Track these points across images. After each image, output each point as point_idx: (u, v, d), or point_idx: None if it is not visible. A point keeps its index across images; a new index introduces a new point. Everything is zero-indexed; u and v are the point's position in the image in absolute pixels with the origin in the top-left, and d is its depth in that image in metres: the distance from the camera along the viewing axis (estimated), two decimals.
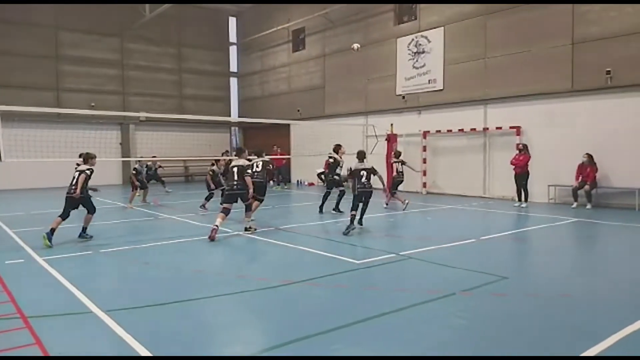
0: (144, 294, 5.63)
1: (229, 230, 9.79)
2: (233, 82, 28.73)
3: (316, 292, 5.62)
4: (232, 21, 28.29)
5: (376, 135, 16.46)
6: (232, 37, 28.39)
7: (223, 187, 14.24)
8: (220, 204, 9.97)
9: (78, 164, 16.71)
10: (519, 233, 9.95)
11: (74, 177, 8.97)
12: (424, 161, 18.02)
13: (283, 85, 25.22)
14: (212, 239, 8.78)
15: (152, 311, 4.99)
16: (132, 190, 14.87)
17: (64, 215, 8.74)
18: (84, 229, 9.10)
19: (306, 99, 23.49)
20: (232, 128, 29.05)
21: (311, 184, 22.78)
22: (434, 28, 17.60)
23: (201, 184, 23.42)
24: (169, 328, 4.53)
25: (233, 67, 28.66)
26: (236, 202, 9.73)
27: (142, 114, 16.38)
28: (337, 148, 12.66)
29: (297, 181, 23.92)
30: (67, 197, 8.84)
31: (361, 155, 10.60)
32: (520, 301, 5.24)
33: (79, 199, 8.82)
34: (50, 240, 8.26)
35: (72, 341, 4.24)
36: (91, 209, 9.09)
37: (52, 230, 8.44)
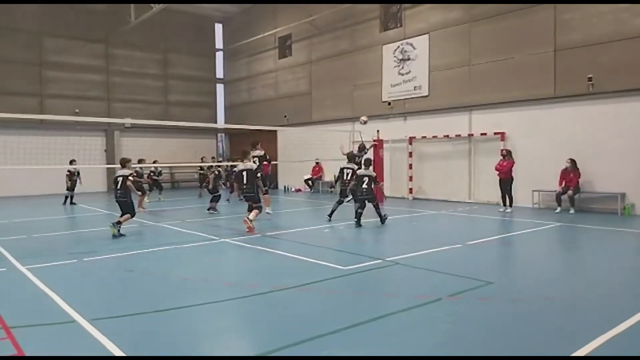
0: (129, 302, 5.56)
1: (216, 238, 9.74)
2: (219, 88, 28.66)
3: (305, 299, 5.61)
4: (218, 27, 28.25)
5: (363, 142, 16.49)
6: (219, 44, 28.34)
7: (218, 193, 14.29)
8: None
9: (69, 171, 16.78)
10: (504, 238, 10.05)
11: (117, 182, 9.99)
12: (410, 167, 18.13)
13: (270, 92, 25.22)
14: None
15: (137, 320, 4.93)
16: (141, 195, 14.90)
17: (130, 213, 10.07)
18: (119, 223, 9.84)
19: (293, 105, 23.51)
20: (219, 134, 28.96)
21: (298, 190, 22.78)
22: (419, 35, 17.77)
23: (187, 190, 23.37)
24: (156, 337, 4.48)
25: (219, 73, 28.59)
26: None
27: (127, 120, 16.25)
28: (354, 156, 12.64)
29: (284, 187, 23.91)
30: (117, 201, 10.04)
31: (367, 163, 11.32)
32: (506, 305, 5.29)
33: (123, 201, 9.92)
34: (118, 230, 9.69)
35: (55, 351, 4.16)
36: (131, 212, 10.09)
37: (119, 222, 9.75)
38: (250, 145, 10.87)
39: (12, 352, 4.04)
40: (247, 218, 10.17)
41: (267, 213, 11.31)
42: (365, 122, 16.19)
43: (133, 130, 23.94)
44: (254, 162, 11.35)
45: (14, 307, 5.32)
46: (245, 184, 10.21)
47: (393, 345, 4.19)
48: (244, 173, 10.25)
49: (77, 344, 4.31)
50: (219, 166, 15.66)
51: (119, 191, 9.94)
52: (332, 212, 12.04)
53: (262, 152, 12.42)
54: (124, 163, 10.24)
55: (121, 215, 9.99)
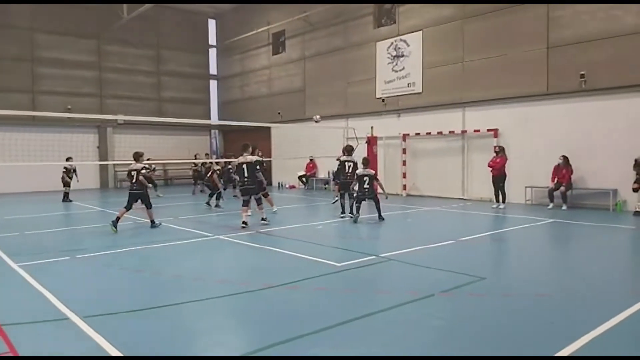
0: (122, 299, 5.55)
1: (209, 234, 9.73)
2: (213, 84, 28.57)
3: (296, 296, 5.62)
4: (212, 23, 28.14)
5: (357, 138, 16.52)
6: (212, 40, 28.23)
7: (219, 190, 14.37)
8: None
9: (66, 168, 16.77)
10: (497, 234, 10.10)
11: (132, 176, 10.30)
12: (404, 163, 18.18)
13: (263, 88, 25.17)
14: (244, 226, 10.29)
15: (130, 317, 4.92)
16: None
17: (128, 207, 10.26)
18: (152, 222, 10.48)
19: (287, 101, 23.48)
20: (212, 131, 28.89)
21: (292, 187, 22.77)
22: (413, 32, 17.78)
23: (180, 187, 23.29)
24: (148, 334, 4.47)
25: (213, 70, 28.50)
26: (250, 196, 10.62)
27: (120, 117, 16.20)
28: (351, 149, 12.38)
29: (278, 184, 23.90)
30: (129, 192, 10.34)
31: (366, 162, 11.51)
32: (498, 301, 5.32)
33: (139, 194, 10.26)
34: (115, 226, 9.79)
35: (48, 349, 4.15)
36: (148, 205, 10.40)
37: (117, 219, 9.93)
38: (250, 148, 10.98)
39: (5, 349, 4.03)
40: (262, 218, 10.67)
41: (274, 212, 12.65)
42: (317, 121, 16.38)
43: (126, 127, 23.83)
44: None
45: (6, 305, 5.30)
46: (246, 177, 10.50)
47: (384, 342, 4.21)
48: (244, 166, 10.52)
49: (70, 341, 4.30)
50: (217, 163, 15.68)
51: (134, 185, 10.29)
52: (351, 207, 11.61)
53: (260, 156, 12.70)
54: (137, 157, 10.47)
55: (126, 208, 10.27)
